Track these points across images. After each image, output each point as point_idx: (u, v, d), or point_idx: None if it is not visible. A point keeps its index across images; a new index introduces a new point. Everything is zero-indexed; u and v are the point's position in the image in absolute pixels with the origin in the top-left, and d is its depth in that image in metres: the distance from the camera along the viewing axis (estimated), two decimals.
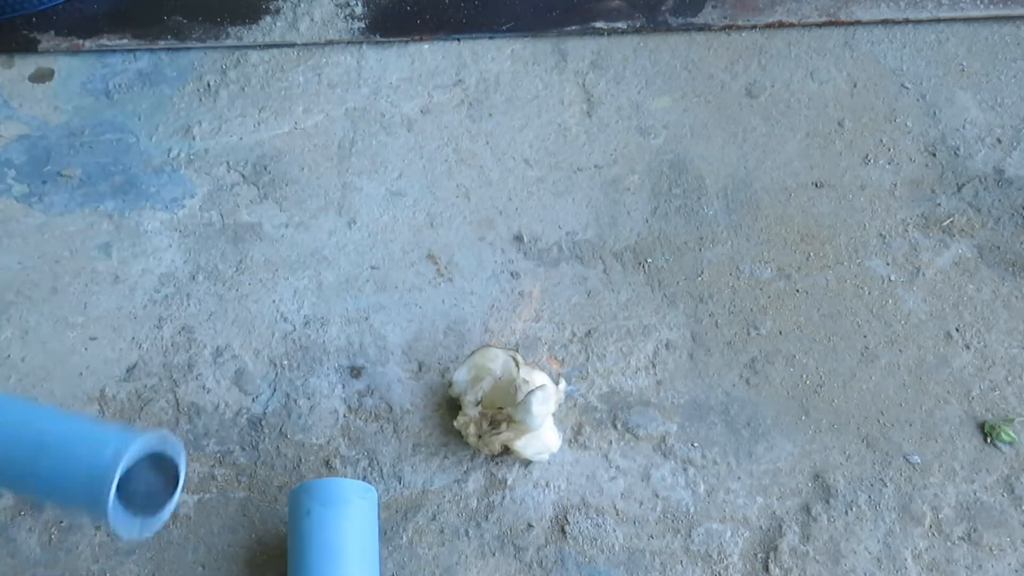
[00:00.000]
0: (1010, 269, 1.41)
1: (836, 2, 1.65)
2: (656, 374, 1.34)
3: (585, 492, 1.26)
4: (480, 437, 1.26)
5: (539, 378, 1.28)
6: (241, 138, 1.57)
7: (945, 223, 1.45)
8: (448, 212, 1.49)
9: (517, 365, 1.28)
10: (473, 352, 1.32)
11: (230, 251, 1.47)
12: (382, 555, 1.22)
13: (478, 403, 1.28)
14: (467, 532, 1.24)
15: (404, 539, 1.23)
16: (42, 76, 1.64)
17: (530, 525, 1.24)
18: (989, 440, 1.28)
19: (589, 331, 1.37)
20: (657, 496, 1.25)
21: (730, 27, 1.65)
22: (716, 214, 1.47)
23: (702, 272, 1.42)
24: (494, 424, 1.26)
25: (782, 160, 1.52)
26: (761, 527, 1.23)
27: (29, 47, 1.66)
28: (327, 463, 1.29)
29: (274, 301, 1.42)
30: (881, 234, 1.44)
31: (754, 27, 1.64)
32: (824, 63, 1.61)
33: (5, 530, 1.25)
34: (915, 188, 1.48)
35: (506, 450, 1.26)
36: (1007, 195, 1.47)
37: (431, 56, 1.64)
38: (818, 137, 1.54)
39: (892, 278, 1.41)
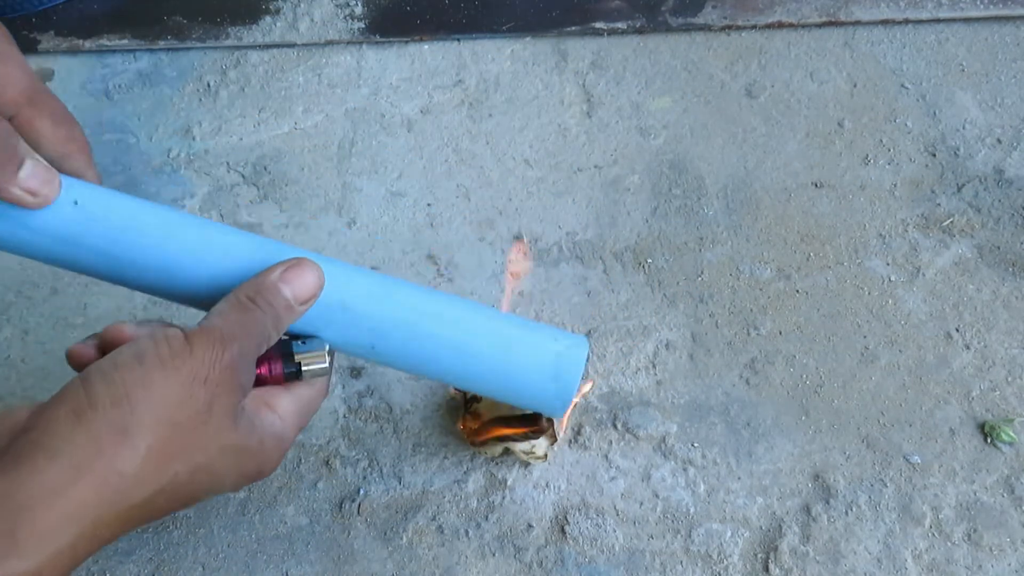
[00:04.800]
0: (1010, 269, 1.41)
1: (836, 2, 1.65)
2: (656, 374, 1.34)
3: (585, 492, 1.26)
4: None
5: None
6: (241, 138, 1.57)
7: (945, 223, 1.45)
8: (448, 212, 1.49)
9: None
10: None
11: None
12: (382, 555, 1.22)
13: (478, 402, 1.28)
14: (467, 532, 1.24)
15: (404, 539, 1.23)
16: (42, 76, 1.64)
17: (530, 525, 1.24)
18: (989, 440, 1.28)
19: (589, 331, 1.37)
20: (657, 496, 1.25)
21: (730, 27, 1.64)
22: (716, 214, 1.47)
23: (702, 272, 1.42)
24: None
25: (782, 160, 1.52)
26: (761, 527, 1.23)
27: (29, 47, 1.66)
28: (327, 463, 1.29)
29: None
30: (881, 234, 1.44)
31: (754, 27, 1.64)
32: (824, 63, 1.61)
33: None
34: (915, 188, 1.48)
35: (506, 451, 1.26)
36: (1007, 195, 1.47)
37: (431, 56, 1.64)
38: (818, 137, 1.54)
39: (892, 278, 1.41)
